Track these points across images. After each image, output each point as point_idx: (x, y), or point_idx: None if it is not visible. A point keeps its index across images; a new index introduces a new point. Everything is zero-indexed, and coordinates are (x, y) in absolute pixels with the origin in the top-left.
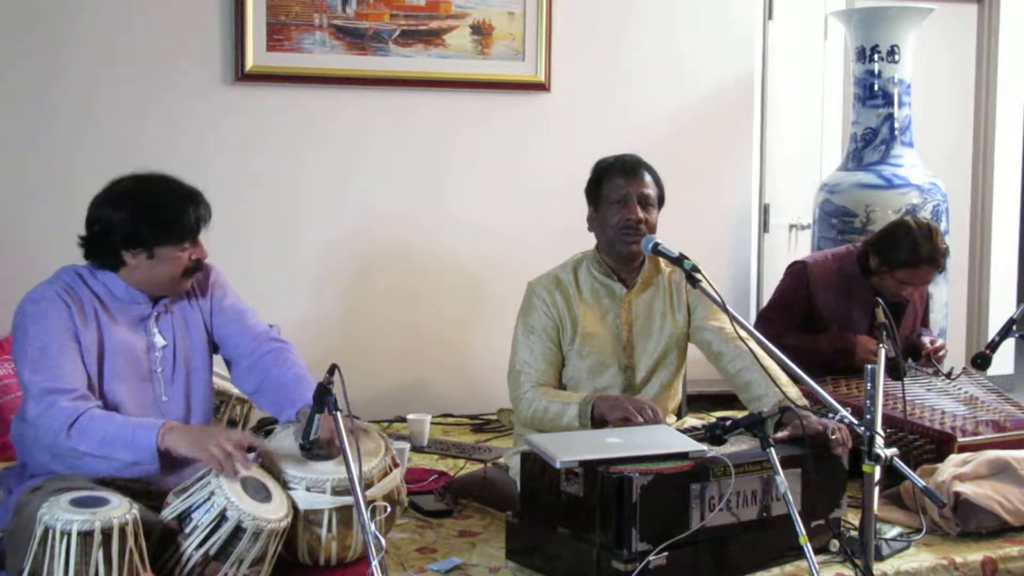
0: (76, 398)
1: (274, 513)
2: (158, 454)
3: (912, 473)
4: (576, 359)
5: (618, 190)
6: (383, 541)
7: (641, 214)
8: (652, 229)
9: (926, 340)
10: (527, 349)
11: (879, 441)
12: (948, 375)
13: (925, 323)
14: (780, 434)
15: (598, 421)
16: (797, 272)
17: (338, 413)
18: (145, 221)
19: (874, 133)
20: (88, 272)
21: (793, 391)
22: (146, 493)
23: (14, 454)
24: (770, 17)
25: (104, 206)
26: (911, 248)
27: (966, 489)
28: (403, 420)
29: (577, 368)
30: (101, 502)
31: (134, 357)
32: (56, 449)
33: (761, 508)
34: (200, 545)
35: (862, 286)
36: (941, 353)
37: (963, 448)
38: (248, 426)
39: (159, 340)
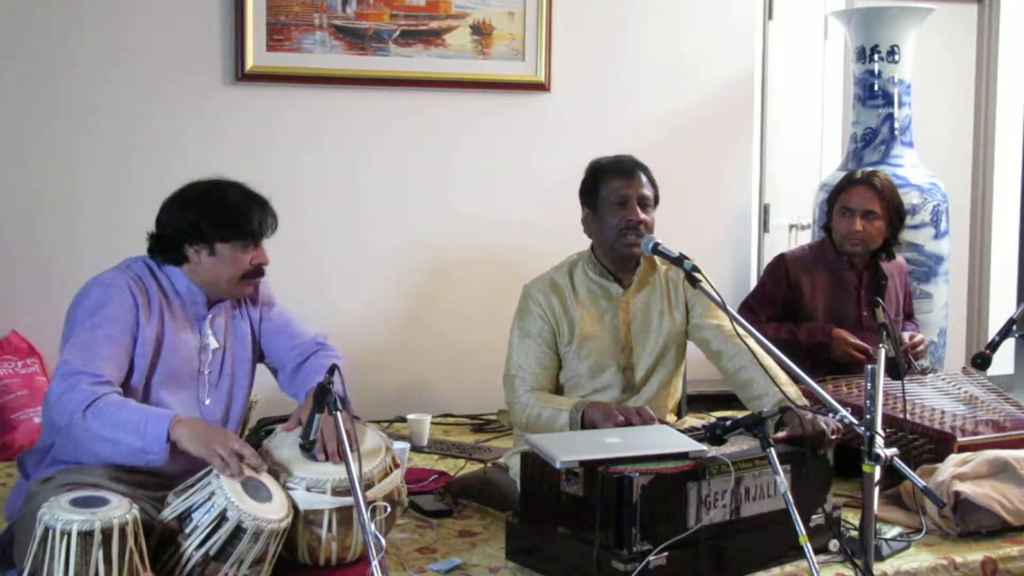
0: (97, 382)
1: (274, 513)
2: (167, 444)
3: (912, 473)
4: (575, 360)
5: (616, 192)
6: (383, 541)
7: (641, 215)
8: (651, 229)
9: (905, 335)
10: (522, 353)
11: (879, 441)
12: (924, 372)
13: (909, 315)
14: (780, 434)
15: (589, 429)
16: (775, 263)
17: (338, 413)
18: (209, 217)
19: (874, 133)
20: (155, 265)
21: (793, 390)
22: (160, 486)
23: (14, 454)
24: (770, 17)
25: (174, 204)
26: (847, 177)
27: (966, 489)
28: (403, 420)
29: (576, 369)
30: (101, 502)
31: (187, 356)
32: (69, 430)
33: (756, 507)
34: (200, 545)
35: (841, 267)
36: (920, 348)
37: (963, 448)
38: (248, 427)
39: (212, 342)
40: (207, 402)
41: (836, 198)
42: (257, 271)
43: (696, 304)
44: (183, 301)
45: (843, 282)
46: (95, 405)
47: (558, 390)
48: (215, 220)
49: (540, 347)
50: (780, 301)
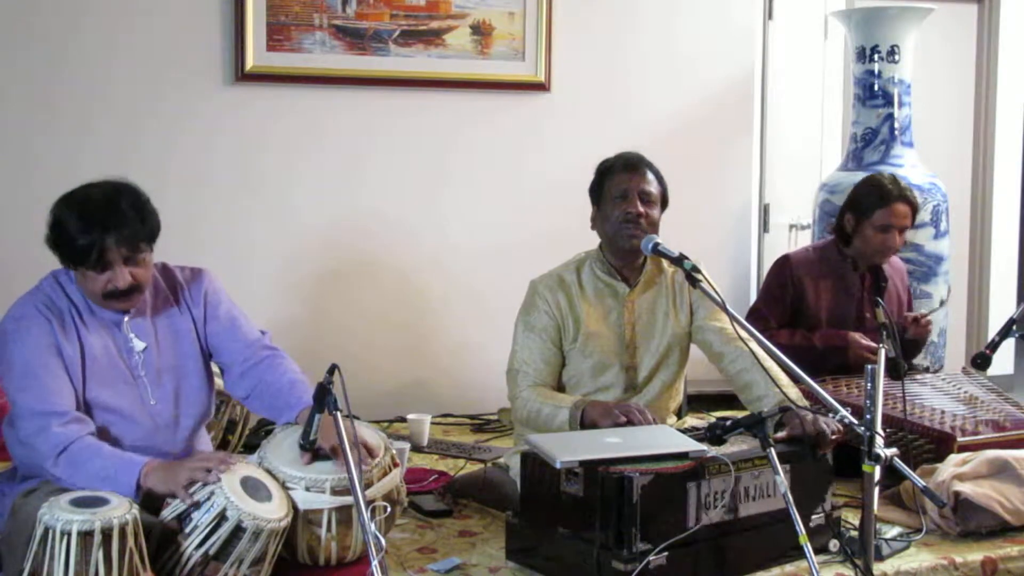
0: (68, 422)
1: (274, 513)
2: (138, 491)
3: (912, 473)
4: (578, 358)
5: (619, 185)
6: (383, 541)
7: (642, 208)
8: (653, 226)
9: (909, 315)
10: (526, 348)
11: (879, 441)
12: (927, 370)
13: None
14: (780, 434)
15: (589, 427)
16: (780, 265)
17: (338, 413)
18: (58, 236)
19: (874, 133)
20: (67, 278)
21: (793, 392)
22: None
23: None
24: (770, 17)
25: (52, 209)
26: (879, 190)
27: (966, 489)
28: (403, 420)
29: (579, 367)
30: (101, 502)
31: (113, 361)
32: (43, 472)
33: (755, 507)
34: (200, 545)
35: (845, 269)
36: (926, 322)
37: (963, 448)
38: (248, 426)
39: (137, 344)
40: (153, 402)
41: (868, 212)
42: (121, 292)
43: (700, 307)
44: (95, 309)
45: (846, 284)
46: (68, 451)
47: (560, 388)
48: (61, 241)
49: (544, 343)
50: (788, 303)
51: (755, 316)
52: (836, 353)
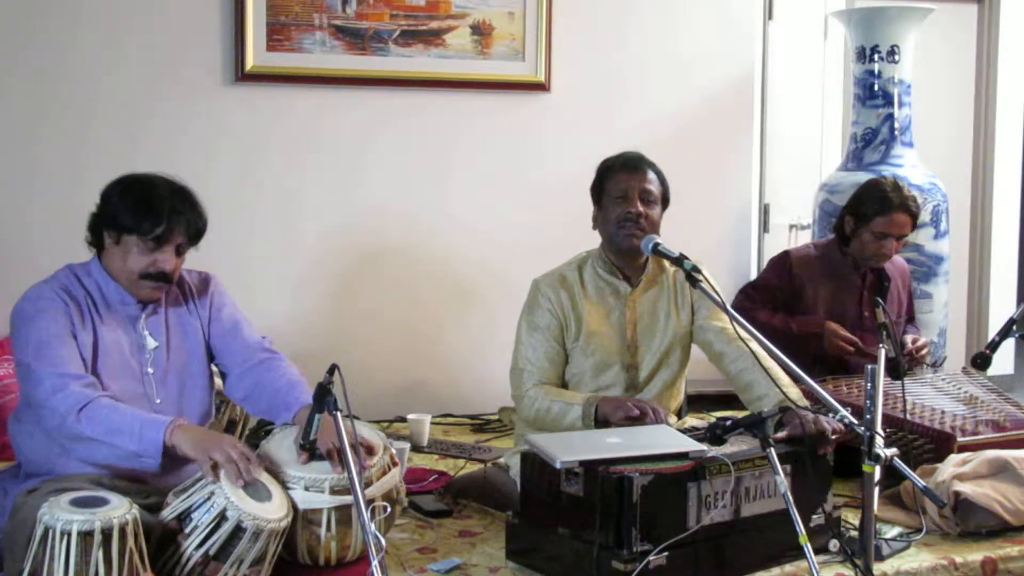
0: (87, 384)
1: (274, 513)
2: (163, 449)
3: (912, 473)
4: (580, 357)
5: (620, 184)
6: (383, 541)
7: (641, 208)
8: (653, 226)
9: (908, 339)
10: (530, 347)
11: (879, 441)
12: (935, 365)
13: (911, 319)
14: (780, 434)
15: (602, 422)
16: (780, 260)
17: (338, 413)
18: (121, 203)
19: (874, 133)
20: (83, 271)
21: (794, 391)
22: (143, 492)
23: (14, 455)
24: (770, 17)
25: (109, 185)
26: (881, 197)
27: (966, 489)
28: (403, 420)
29: (580, 366)
30: (101, 502)
31: (124, 357)
32: (60, 432)
33: (757, 507)
34: (200, 545)
35: (845, 268)
36: (924, 352)
37: (963, 448)
38: (248, 426)
39: (150, 342)
40: (158, 400)
41: (868, 218)
42: (158, 275)
43: (701, 306)
44: (113, 303)
45: (846, 283)
46: (88, 408)
47: (564, 386)
48: (123, 207)
49: (548, 342)
50: (781, 299)
51: (742, 294)
52: (812, 340)
